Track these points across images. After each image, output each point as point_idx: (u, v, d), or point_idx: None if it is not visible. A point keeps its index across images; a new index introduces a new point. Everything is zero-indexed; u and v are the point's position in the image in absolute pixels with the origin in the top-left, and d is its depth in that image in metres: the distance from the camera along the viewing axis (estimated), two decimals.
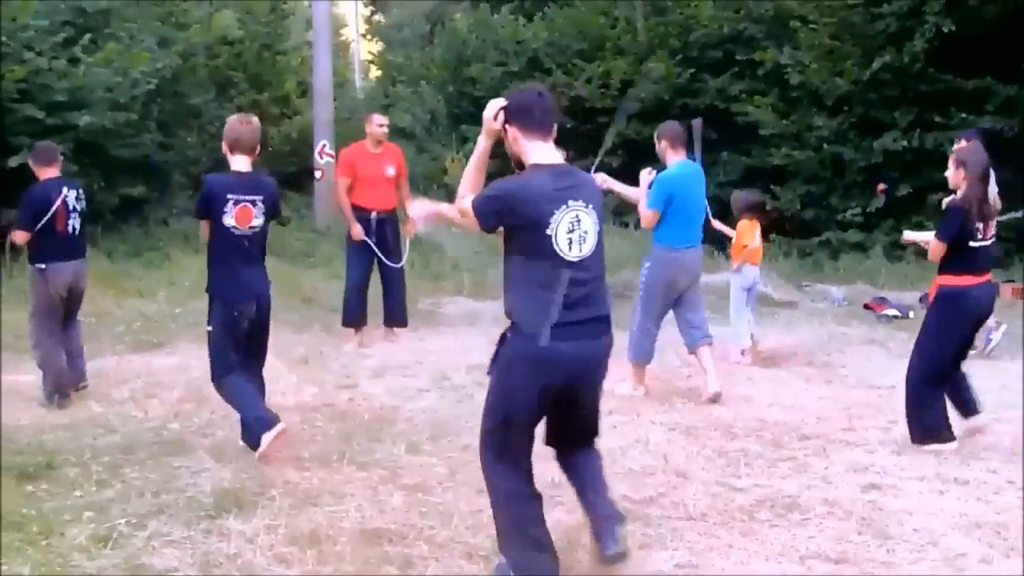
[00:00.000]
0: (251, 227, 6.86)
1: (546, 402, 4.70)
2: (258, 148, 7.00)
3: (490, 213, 4.63)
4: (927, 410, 7.15)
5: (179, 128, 20.14)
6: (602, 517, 4.86)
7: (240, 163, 6.89)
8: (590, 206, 4.64)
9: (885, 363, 9.80)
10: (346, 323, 10.92)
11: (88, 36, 15.98)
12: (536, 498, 4.89)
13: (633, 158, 20.81)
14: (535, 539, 4.80)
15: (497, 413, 4.80)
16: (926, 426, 7.14)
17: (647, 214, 8.60)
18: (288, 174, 24.09)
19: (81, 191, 8.59)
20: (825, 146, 17.49)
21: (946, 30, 15.47)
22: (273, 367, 9.14)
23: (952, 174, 7.19)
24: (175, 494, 6.07)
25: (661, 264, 8.65)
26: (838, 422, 7.79)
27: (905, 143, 16.24)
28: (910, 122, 16.47)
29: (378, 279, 10.92)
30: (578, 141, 21.20)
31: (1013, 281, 13.72)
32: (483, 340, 10.52)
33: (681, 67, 20.56)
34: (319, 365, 9.69)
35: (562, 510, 5.89)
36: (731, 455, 6.96)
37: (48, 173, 8.47)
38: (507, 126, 4.75)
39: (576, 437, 5.01)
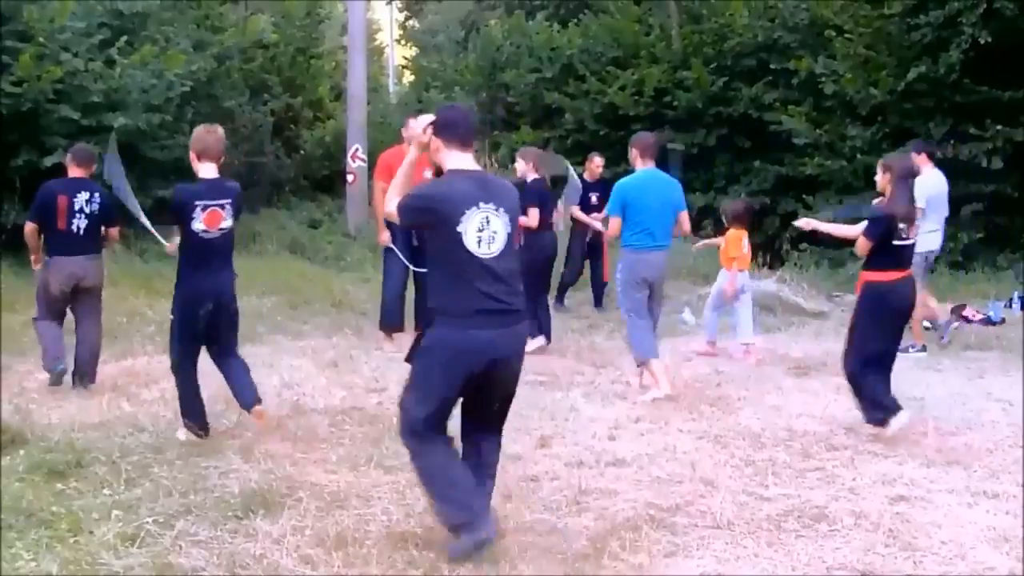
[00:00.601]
0: (220, 229, 7.20)
1: (468, 385, 5.17)
2: (223, 156, 7.41)
3: (410, 211, 5.21)
4: (874, 392, 7.68)
5: None
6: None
7: (207, 170, 7.28)
8: (501, 209, 5.13)
9: (915, 375, 9.73)
10: (384, 327, 10.92)
11: (124, 38, 16.14)
12: (456, 453, 5.38)
13: (662, 167, 20.89)
14: (462, 485, 5.24)
15: (426, 399, 5.22)
16: (878, 405, 7.62)
17: (611, 222, 9.20)
18: (321, 178, 24.20)
19: (97, 195, 8.83)
20: (859, 156, 17.40)
21: (982, 41, 15.38)
22: (303, 369, 9.23)
23: (879, 179, 7.93)
24: (203, 494, 6.09)
25: (628, 266, 9.09)
26: (867, 433, 7.73)
27: (940, 155, 16.12)
28: (945, 133, 16.38)
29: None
30: (611, 148, 21.23)
31: None
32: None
33: (715, 75, 20.55)
34: (349, 368, 9.70)
35: (589, 516, 5.90)
36: (759, 464, 6.93)
37: (74, 173, 8.89)
38: (433, 138, 5.27)
39: (487, 421, 5.48)
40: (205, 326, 7.28)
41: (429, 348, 5.19)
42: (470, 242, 5.02)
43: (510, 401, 5.48)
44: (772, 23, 20.19)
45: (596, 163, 13.54)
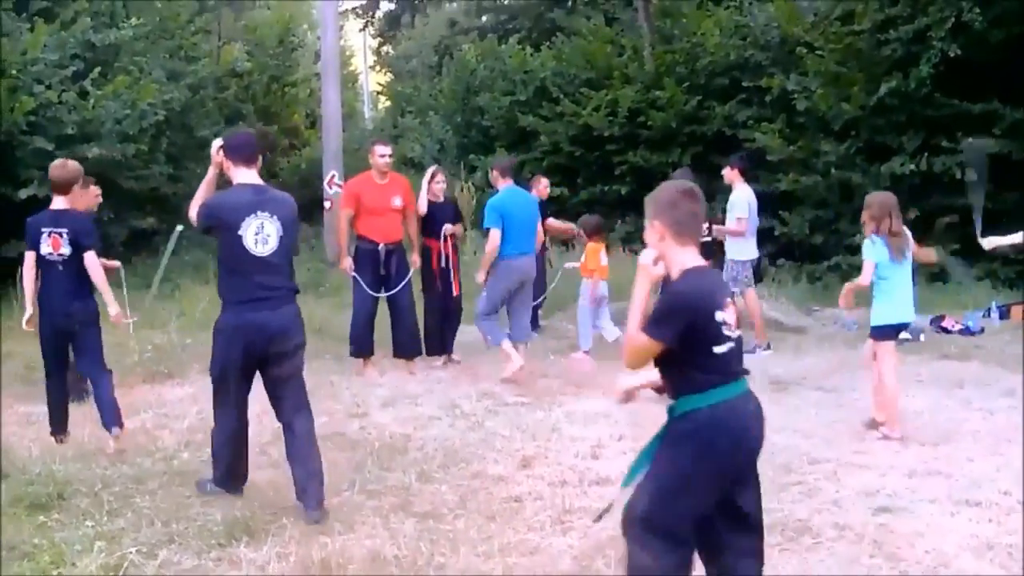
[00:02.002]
0: (60, 254, 7.90)
1: (252, 360, 6.34)
2: (70, 189, 8.11)
3: (203, 218, 6.38)
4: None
5: (188, 160, 20.25)
6: (303, 484, 6.32)
7: (57, 202, 8.07)
8: (275, 216, 6.29)
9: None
10: (354, 354, 10.89)
11: (98, 69, 16.12)
12: (245, 433, 6.67)
13: (641, 185, 20.95)
14: (240, 462, 6.67)
15: (216, 370, 6.47)
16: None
17: (491, 234, 10.30)
18: (298, 205, 24.19)
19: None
20: (833, 171, 17.48)
21: (952, 55, 15.49)
22: None
23: None
24: (186, 523, 6.06)
25: (503, 271, 10.42)
26: (849, 446, 7.75)
27: (912, 167, 16.23)
28: (917, 147, 16.48)
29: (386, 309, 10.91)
30: (587, 169, 21.32)
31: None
32: (493, 368, 10.52)
33: (688, 94, 20.63)
34: (329, 394, 9.65)
35: (573, 535, 5.90)
36: None
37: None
38: (224, 159, 6.45)
39: (284, 400, 6.50)
40: (64, 343, 8.09)
41: (217, 330, 6.41)
42: (248, 243, 6.18)
43: (299, 373, 6.57)
44: (744, 42, 20.28)
45: (544, 184, 13.64)
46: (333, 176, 20.00)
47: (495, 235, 10.25)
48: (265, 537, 5.80)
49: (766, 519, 6.09)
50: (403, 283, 10.80)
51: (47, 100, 14.94)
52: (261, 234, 6.21)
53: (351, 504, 6.50)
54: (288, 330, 6.40)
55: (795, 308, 14.64)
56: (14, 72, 14.75)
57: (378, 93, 44.36)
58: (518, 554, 5.62)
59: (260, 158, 6.60)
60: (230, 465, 6.61)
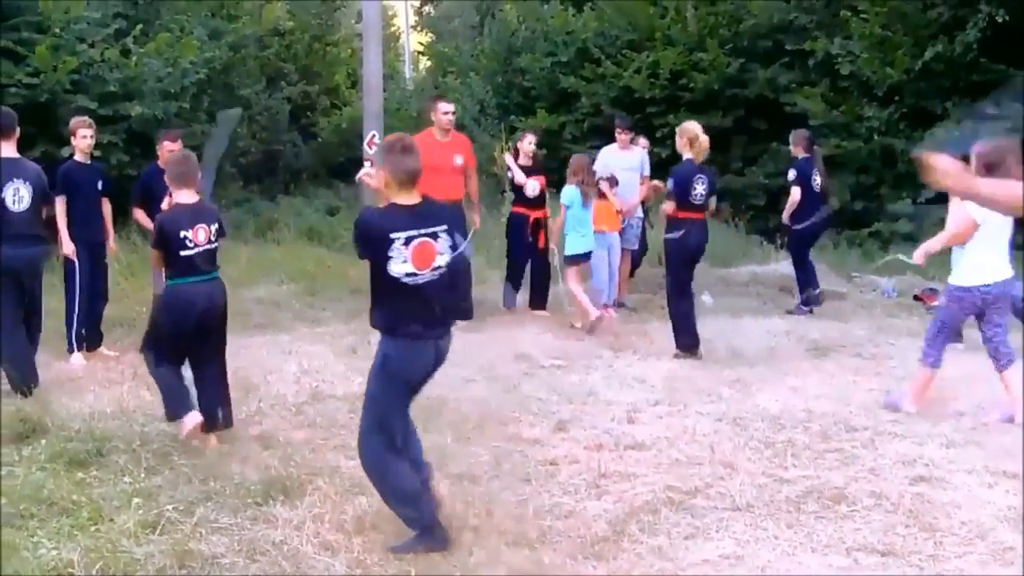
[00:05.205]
0: None
1: (18, 279, 8.20)
2: None
3: None
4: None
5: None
6: None
7: None
8: (27, 183, 8.26)
9: None
10: None
11: (139, 27, 16.16)
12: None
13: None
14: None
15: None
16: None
17: None
18: (337, 165, 24.26)
19: None
20: (875, 137, 17.33)
21: (999, 20, 15.30)
22: (322, 356, 9.24)
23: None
24: (222, 481, 6.11)
25: None
26: (886, 414, 7.71)
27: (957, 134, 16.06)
28: (961, 113, 16.31)
29: None
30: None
31: None
32: (530, 331, 10.51)
33: (731, 57, 20.46)
34: (367, 355, 9.56)
35: (608, 499, 5.92)
36: (778, 446, 6.91)
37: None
38: None
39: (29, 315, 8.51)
40: None
41: None
42: (8, 203, 8.11)
43: (41, 289, 8.62)
44: (788, 4, 20.08)
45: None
46: (373, 136, 19.94)
47: None
48: (301, 496, 5.85)
49: (802, 486, 6.12)
50: (464, 245, 10.71)
51: (90, 59, 15.00)
52: (16, 196, 8.17)
53: None
54: (38, 261, 8.43)
55: (834, 274, 14.53)
56: (57, 31, 14.83)
57: (419, 53, 44.22)
58: (553, 517, 5.64)
59: (17, 132, 8.41)
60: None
